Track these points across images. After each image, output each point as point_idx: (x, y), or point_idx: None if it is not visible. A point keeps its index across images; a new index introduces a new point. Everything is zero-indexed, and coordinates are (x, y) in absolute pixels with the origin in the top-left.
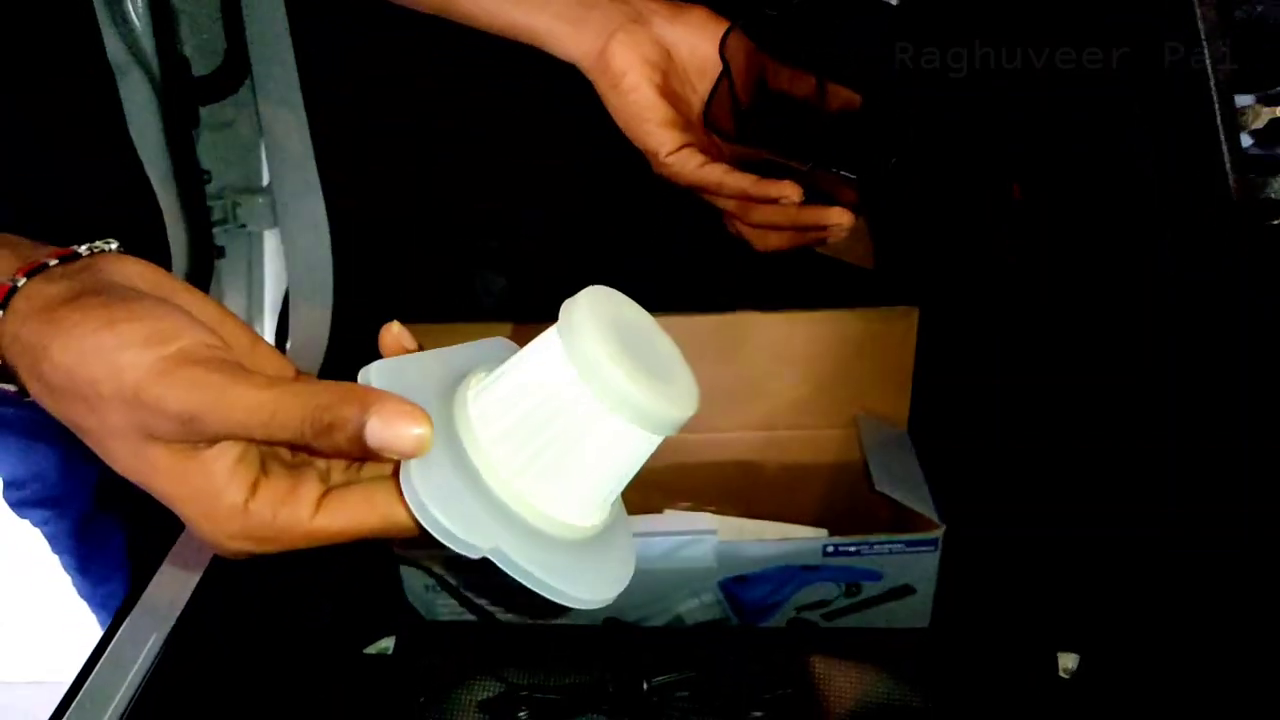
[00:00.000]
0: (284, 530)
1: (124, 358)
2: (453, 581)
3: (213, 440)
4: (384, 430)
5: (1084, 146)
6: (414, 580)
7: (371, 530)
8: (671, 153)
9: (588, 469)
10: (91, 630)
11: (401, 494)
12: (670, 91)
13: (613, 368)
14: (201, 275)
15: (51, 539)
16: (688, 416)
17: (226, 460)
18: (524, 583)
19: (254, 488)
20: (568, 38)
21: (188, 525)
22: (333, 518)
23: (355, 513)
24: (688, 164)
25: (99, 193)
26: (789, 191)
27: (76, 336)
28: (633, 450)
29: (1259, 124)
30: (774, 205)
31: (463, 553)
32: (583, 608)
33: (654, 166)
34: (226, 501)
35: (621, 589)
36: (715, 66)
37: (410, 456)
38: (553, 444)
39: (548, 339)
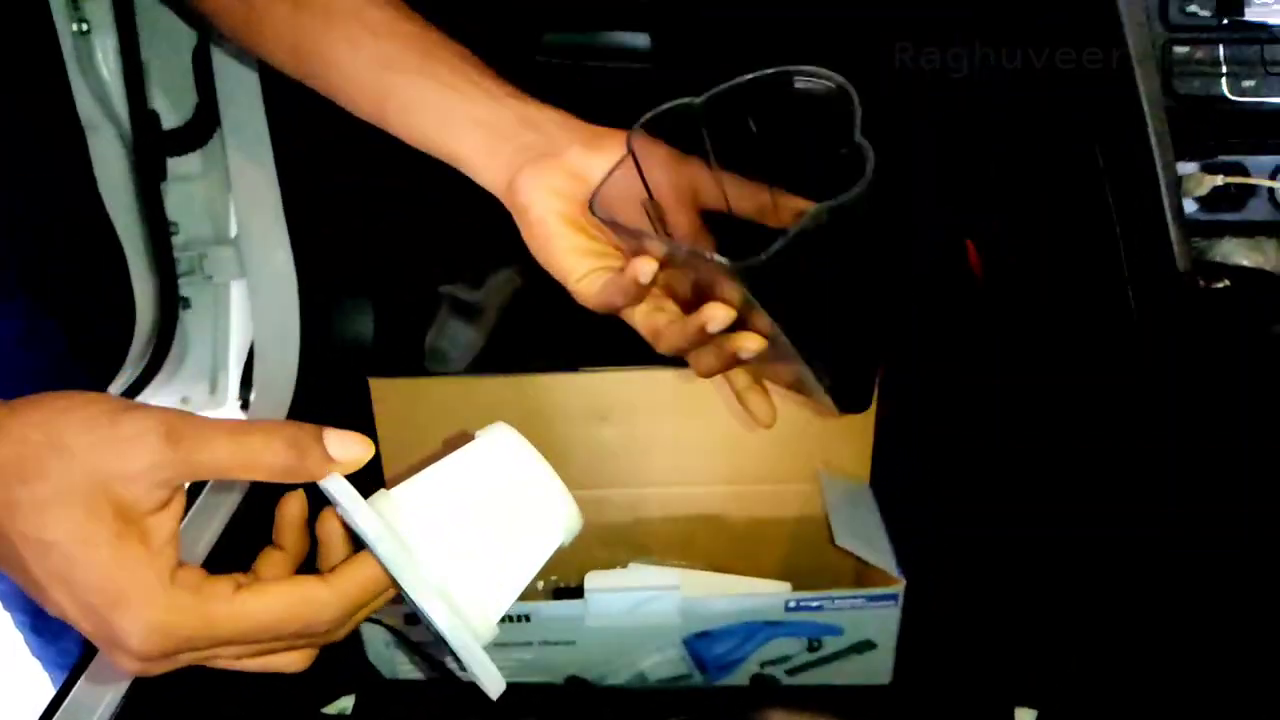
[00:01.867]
0: (206, 603)
1: (94, 408)
2: (414, 639)
3: (182, 474)
4: (341, 440)
5: (1084, 146)
6: (375, 637)
7: (292, 611)
8: (580, 278)
9: (516, 566)
10: (45, 690)
11: (322, 575)
12: (582, 220)
13: (557, 480)
14: (167, 327)
15: (4, 597)
16: (579, 529)
17: (168, 528)
18: (445, 628)
19: (179, 565)
20: (481, 169)
21: (104, 623)
22: (254, 595)
23: (278, 590)
24: (594, 286)
25: (96, 207)
26: (718, 314)
27: (36, 408)
28: (546, 549)
29: (1202, 191)
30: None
31: (412, 593)
32: (485, 678)
33: (570, 293)
34: (156, 571)
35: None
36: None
37: (362, 455)
38: (496, 539)
39: (483, 450)
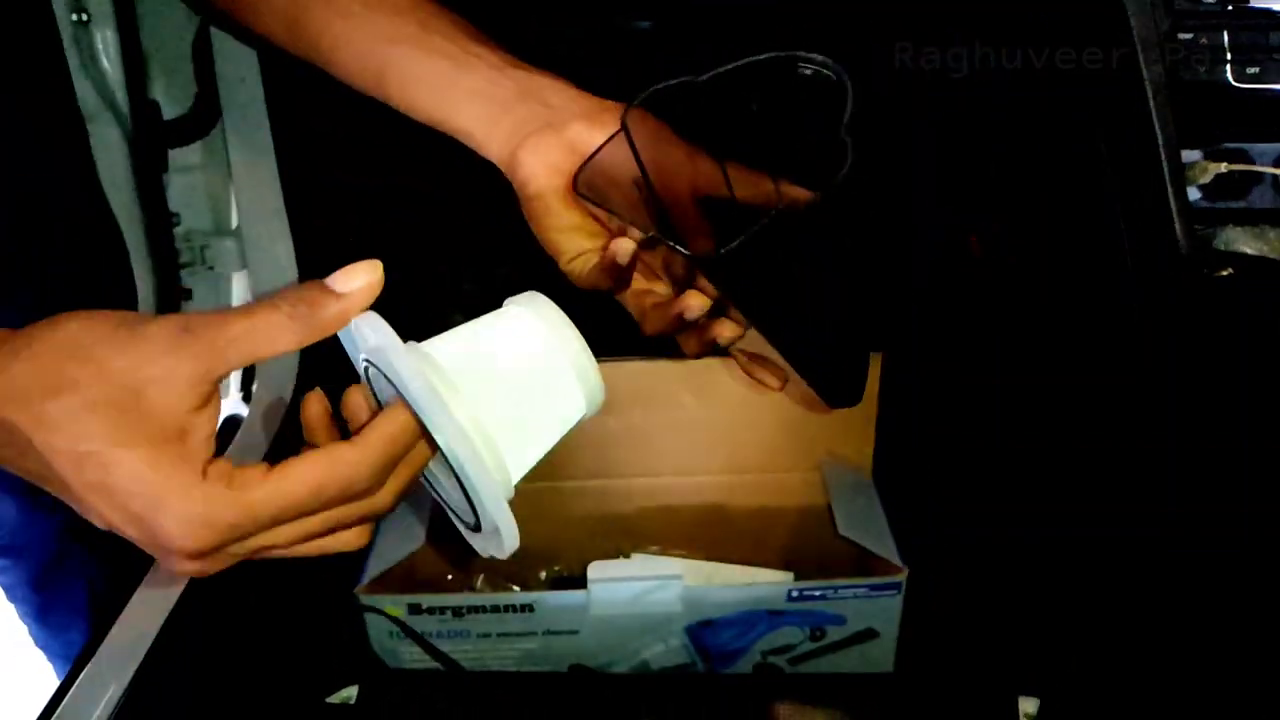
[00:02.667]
0: (240, 493)
1: (113, 319)
2: (417, 629)
3: (212, 368)
4: (345, 275)
5: (1087, 134)
6: (378, 628)
7: (324, 476)
8: (572, 259)
9: (539, 427)
10: (49, 681)
11: (351, 434)
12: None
13: (586, 349)
14: None
15: (8, 588)
16: (601, 402)
17: (206, 427)
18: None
19: (210, 460)
20: (483, 141)
21: (148, 527)
22: (285, 472)
23: (306, 461)
24: (584, 267)
25: (97, 198)
26: (693, 304)
27: (55, 328)
28: (570, 417)
29: (1206, 179)
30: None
31: (431, 412)
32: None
33: (562, 272)
34: (191, 467)
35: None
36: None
37: (373, 278)
38: (522, 396)
39: (516, 314)
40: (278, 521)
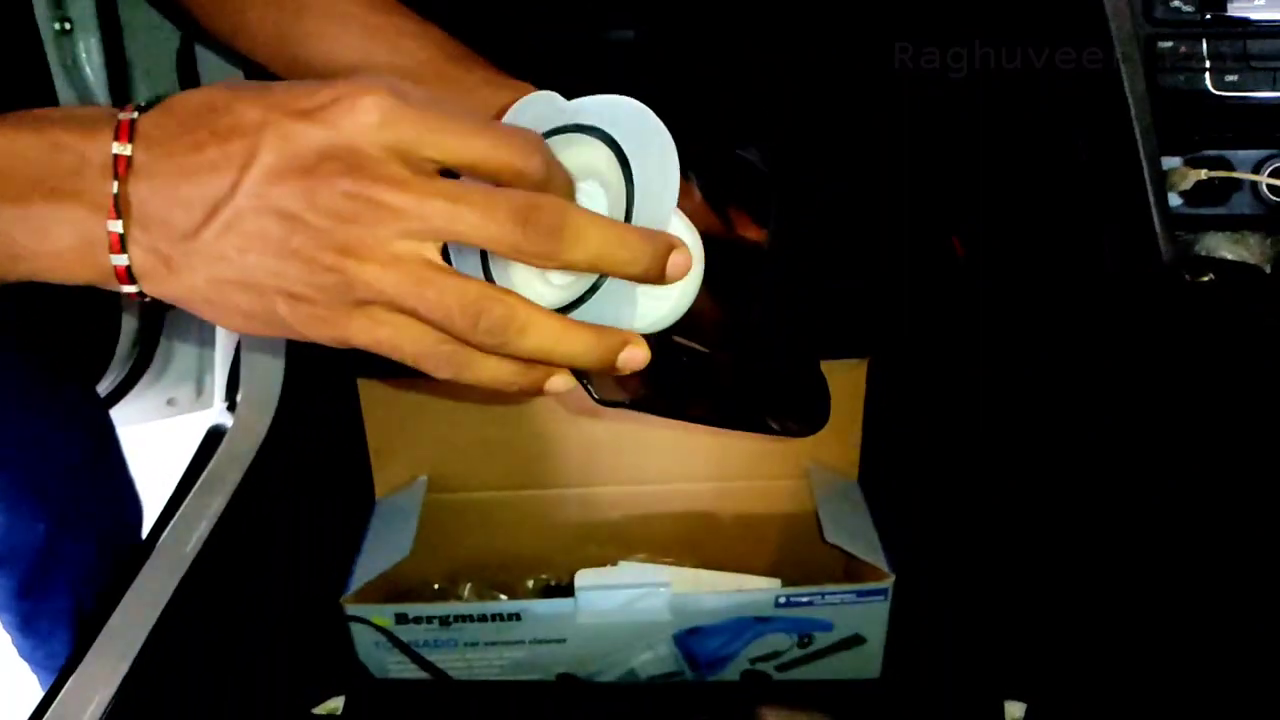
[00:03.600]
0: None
1: None
2: (404, 639)
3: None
4: None
5: (1068, 141)
6: (365, 638)
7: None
8: None
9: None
10: (32, 692)
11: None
12: None
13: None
14: (151, 327)
15: None
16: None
17: None
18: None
19: None
20: None
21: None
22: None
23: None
24: None
25: None
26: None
27: None
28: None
29: (1186, 185)
30: None
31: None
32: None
33: None
34: None
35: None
36: None
37: None
38: None
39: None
40: (447, 131)
